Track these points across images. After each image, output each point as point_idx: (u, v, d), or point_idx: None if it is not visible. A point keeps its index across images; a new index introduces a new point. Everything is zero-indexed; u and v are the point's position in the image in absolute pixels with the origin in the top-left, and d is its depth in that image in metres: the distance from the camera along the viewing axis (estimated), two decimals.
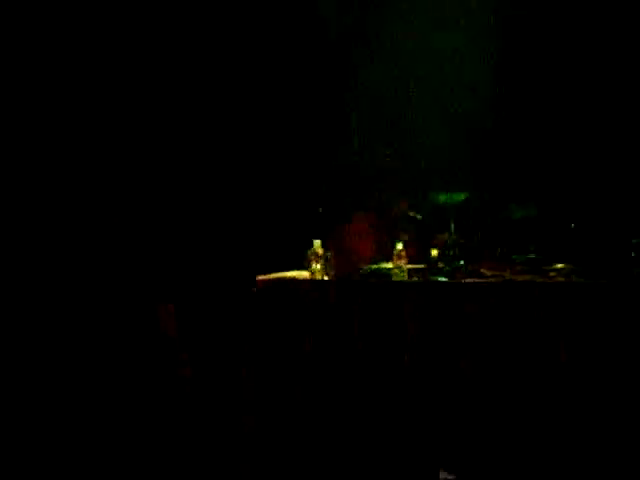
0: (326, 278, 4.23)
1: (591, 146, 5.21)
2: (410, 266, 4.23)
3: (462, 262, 4.23)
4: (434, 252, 4.22)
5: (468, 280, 4.05)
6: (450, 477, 3.85)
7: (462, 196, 4.81)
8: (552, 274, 4.11)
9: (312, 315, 4.14)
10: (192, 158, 5.04)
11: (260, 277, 4.29)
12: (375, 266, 4.29)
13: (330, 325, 4.12)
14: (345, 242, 4.71)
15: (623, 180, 5.07)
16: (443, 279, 4.11)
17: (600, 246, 4.58)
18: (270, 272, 4.35)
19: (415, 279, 4.16)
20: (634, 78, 5.11)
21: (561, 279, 4.05)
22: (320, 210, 4.75)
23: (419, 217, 4.84)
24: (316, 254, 4.21)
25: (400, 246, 4.16)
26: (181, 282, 4.52)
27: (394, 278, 4.17)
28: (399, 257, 4.15)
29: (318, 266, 4.21)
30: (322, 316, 4.13)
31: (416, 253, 4.35)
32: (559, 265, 4.20)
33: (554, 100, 5.28)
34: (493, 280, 4.03)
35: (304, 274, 4.27)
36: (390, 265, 4.21)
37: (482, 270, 4.21)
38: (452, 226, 4.57)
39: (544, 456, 3.84)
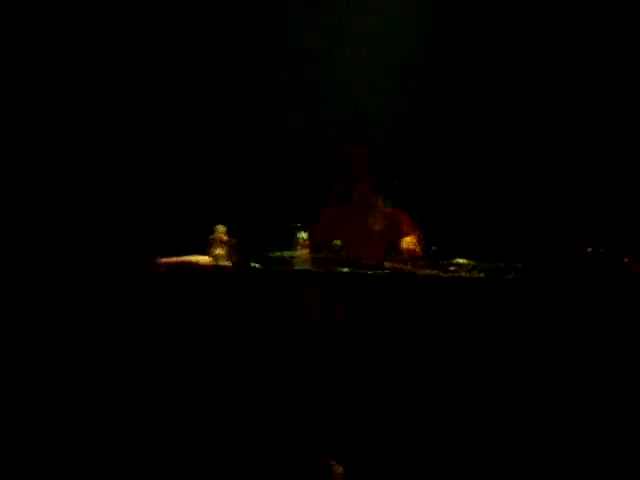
0: (229, 264, 4.20)
1: (500, 141, 5.31)
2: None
3: None
4: (337, 242, 4.22)
5: (369, 272, 4.08)
6: (339, 468, 3.86)
7: None
8: (452, 268, 4.17)
9: (213, 302, 4.10)
10: (88, 129, 4.95)
11: (164, 260, 4.22)
12: (278, 253, 4.27)
13: (231, 313, 4.08)
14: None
15: (526, 177, 5.17)
16: (345, 269, 4.12)
17: (503, 243, 4.66)
18: (178, 255, 4.27)
19: (317, 269, 4.17)
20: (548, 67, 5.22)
21: (463, 274, 4.12)
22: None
23: None
24: (219, 239, 4.18)
25: (303, 234, 4.16)
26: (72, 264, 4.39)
27: (297, 266, 4.16)
28: (302, 246, 4.15)
29: (221, 252, 4.17)
30: (223, 303, 4.10)
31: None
32: (461, 260, 4.26)
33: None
34: (392, 272, 4.06)
35: (207, 259, 4.23)
36: (293, 253, 4.21)
37: (385, 263, 4.24)
38: None
39: (435, 447, 3.90)
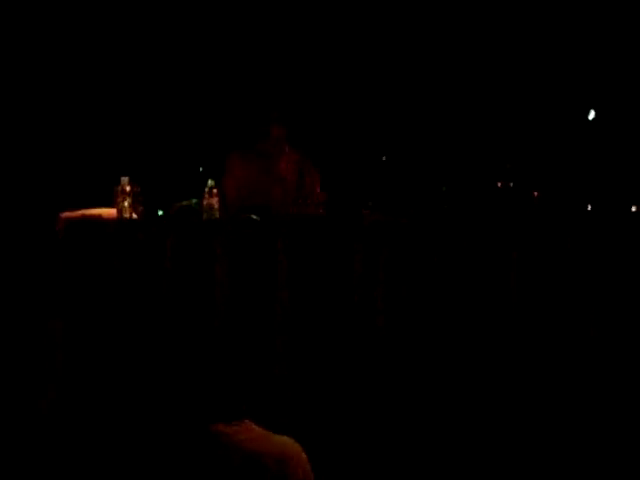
0: (134, 216, 4.04)
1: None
2: None
3: None
4: None
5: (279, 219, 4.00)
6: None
7: None
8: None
9: (120, 256, 3.95)
10: None
11: (65, 214, 4.03)
12: (186, 202, 4.14)
13: (138, 267, 3.94)
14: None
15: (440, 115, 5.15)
16: (254, 217, 4.02)
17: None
18: (77, 208, 4.09)
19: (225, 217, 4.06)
20: None
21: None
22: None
23: None
24: (123, 190, 4.02)
25: (211, 182, 4.04)
26: None
27: (205, 215, 4.04)
28: (210, 194, 4.03)
29: (125, 204, 4.02)
30: (130, 257, 3.95)
31: None
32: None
33: None
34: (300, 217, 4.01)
35: (111, 211, 4.06)
36: (202, 201, 4.09)
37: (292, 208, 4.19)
38: None
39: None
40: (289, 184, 4.65)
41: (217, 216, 4.04)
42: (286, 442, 3.07)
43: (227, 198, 4.41)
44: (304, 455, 2.91)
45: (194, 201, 4.16)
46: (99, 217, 4.00)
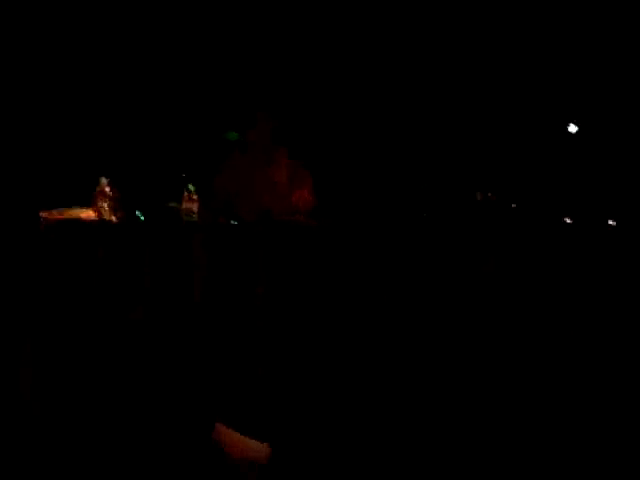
0: (113, 219, 4.04)
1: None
2: None
3: None
4: None
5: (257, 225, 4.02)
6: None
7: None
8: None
9: (98, 259, 3.94)
10: None
11: (43, 213, 4.01)
12: (173, 204, 4.15)
13: (117, 270, 3.94)
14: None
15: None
16: (234, 222, 4.04)
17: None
18: (54, 207, 4.06)
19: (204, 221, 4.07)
20: None
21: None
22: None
23: None
24: (103, 192, 4.02)
25: (191, 186, 4.04)
26: None
27: (185, 219, 4.05)
28: (190, 199, 4.04)
29: (105, 205, 4.02)
30: (108, 260, 3.94)
31: None
32: None
33: None
34: (281, 224, 4.01)
35: (90, 213, 4.06)
36: (181, 205, 4.09)
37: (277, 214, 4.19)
38: None
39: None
40: (280, 188, 4.65)
41: (196, 219, 4.05)
42: (258, 446, 3.09)
43: (217, 200, 4.42)
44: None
45: (174, 205, 4.16)
46: (78, 219, 4.00)
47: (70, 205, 4.05)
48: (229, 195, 4.59)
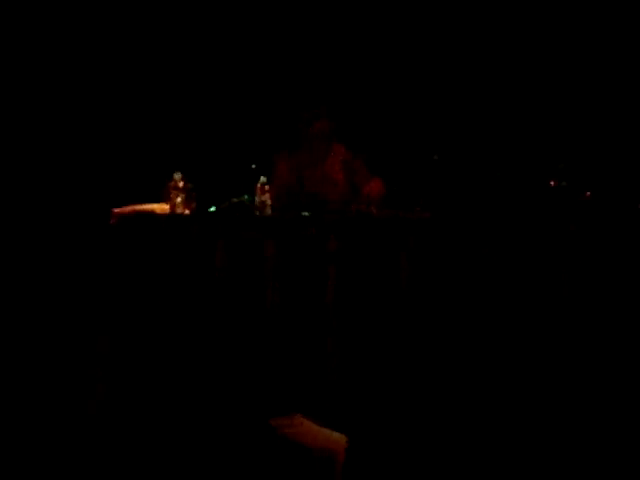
0: (187, 211, 4.06)
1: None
2: None
3: None
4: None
5: (330, 216, 4.01)
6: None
7: None
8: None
9: (171, 252, 3.96)
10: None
11: (117, 210, 4.05)
12: (237, 199, 4.15)
13: (192, 261, 3.95)
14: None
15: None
16: (306, 214, 4.03)
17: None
18: (127, 204, 4.10)
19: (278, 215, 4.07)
20: None
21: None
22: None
23: None
24: (176, 186, 4.04)
25: (263, 179, 4.04)
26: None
27: (257, 213, 4.05)
28: (262, 191, 4.04)
29: (178, 199, 4.04)
30: (184, 252, 3.96)
31: None
32: None
33: None
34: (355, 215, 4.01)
35: (164, 207, 4.09)
36: (254, 199, 4.10)
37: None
38: None
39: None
40: (337, 182, 4.64)
41: (269, 213, 4.05)
42: (335, 437, 3.08)
43: (275, 197, 4.43)
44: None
45: (246, 197, 4.16)
46: (152, 212, 4.03)
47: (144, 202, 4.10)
48: (289, 188, 4.60)
